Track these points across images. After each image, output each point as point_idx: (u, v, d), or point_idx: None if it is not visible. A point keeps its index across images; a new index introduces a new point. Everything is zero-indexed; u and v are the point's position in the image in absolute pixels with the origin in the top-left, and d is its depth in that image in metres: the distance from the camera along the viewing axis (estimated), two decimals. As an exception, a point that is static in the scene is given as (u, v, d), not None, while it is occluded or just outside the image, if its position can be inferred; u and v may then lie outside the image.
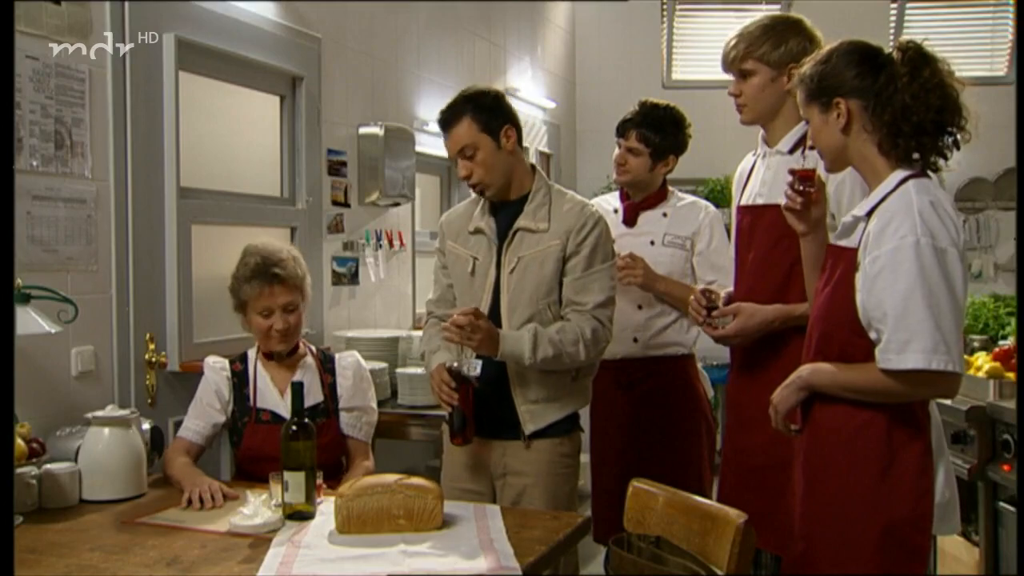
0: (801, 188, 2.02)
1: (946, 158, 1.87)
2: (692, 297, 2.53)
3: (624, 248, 3.00)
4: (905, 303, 1.72)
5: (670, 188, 3.15)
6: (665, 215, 3.07)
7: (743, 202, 2.52)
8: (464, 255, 2.54)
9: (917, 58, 1.83)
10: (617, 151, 3.08)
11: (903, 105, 1.81)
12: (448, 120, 2.48)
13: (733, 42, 2.43)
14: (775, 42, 2.38)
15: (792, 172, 2.05)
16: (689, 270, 3.04)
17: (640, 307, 3.04)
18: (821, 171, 2.08)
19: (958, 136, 1.85)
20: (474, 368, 2.34)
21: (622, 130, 3.07)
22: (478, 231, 2.53)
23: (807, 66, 1.95)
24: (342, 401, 2.66)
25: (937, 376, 1.74)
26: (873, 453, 1.83)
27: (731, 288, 2.55)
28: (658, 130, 3.01)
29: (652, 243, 3.02)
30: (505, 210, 2.52)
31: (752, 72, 2.40)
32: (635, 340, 3.04)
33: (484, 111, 2.44)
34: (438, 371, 2.40)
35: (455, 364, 2.36)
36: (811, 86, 1.92)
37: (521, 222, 2.48)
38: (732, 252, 2.68)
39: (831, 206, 2.28)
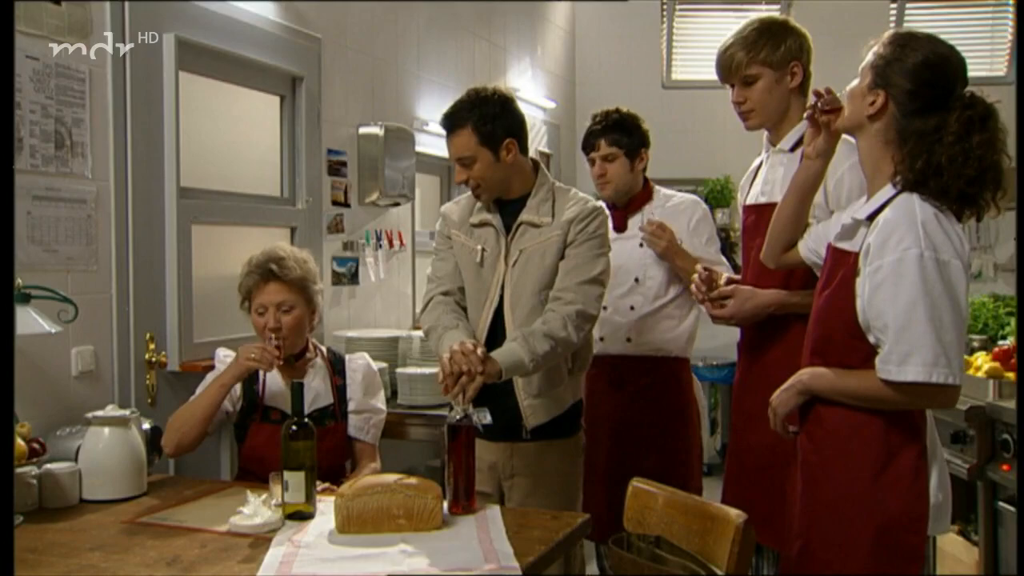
0: (817, 109, 1.98)
1: (960, 220, 1.79)
2: (695, 275, 2.55)
3: (615, 254, 3.02)
4: (907, 315, 1.71)
5: (654, 187, 3.17)
6: (654, 214, 3.09)
7: (748, 201, 2.55)
8: (471, 245, 2.54)
9: (975, 120, 1.75)
10: (592, 167, 3.12)
11: (937, 163, 1.75)
12: (450, 125, 2.46)
13: (730, 51, 2.40)
14: (775, 43, 2.37)
15: (816, 93, 2.02)
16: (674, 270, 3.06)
17: (632, 308, 3.07)
18: (779, 167, 2.09)
19: (983, 208, 1.78)
20: (484, 416, 2.16)
21: (590, 143, 3.10)
22: (484, 223, 2.53)
23: (887, 41, 1.86)
24: (351, 404, 2.67)
25: (937, 389, 1.74)
26: (870, 454, 1.83)
27: (733, 274, 2.60)
28: (623, 129, 3.06)
29: (641, 245, 3.06)
30: (508, 207, 2.53)
31: (757, 77, 2.38)
32: (628, 340, 3.08)
33: (488, 122, 2.41)
34: (454, 359, 2.20)
35: (459, 417, 2.14)
36: (876, 61, 1.84)
37: (524, 216, 2.49)
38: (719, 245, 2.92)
39: (830, 203, 2.29)
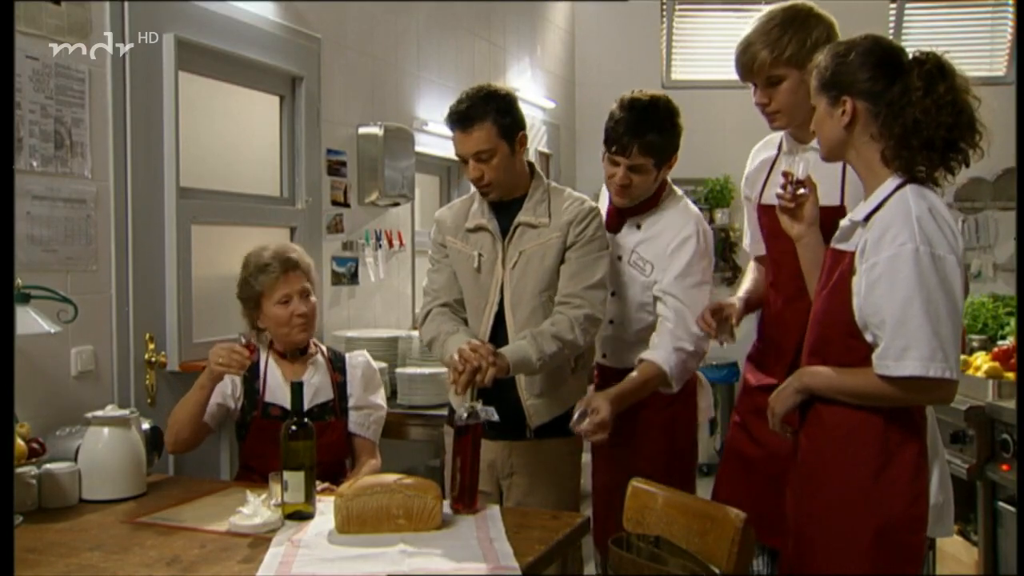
0: (793, 192, 2.04)
1: (953, 173, 1.84)
2: (701, 316, 2.44)
3: None
4: (903, 310, 1.72)
5: (668, 188, 2.69)
6: (639, 227, 2.67)
7: (764, 201, 2.38)
8: (467, 251, 2.54)
9: (934, 72, 1.80)
10: (615, 169, 2.56)
11: (914, 120, 1.78)
12: (467, 121, 2.39)
13: (752, 49, 2.21)
14: (800, 38, 2.18)
15: (784, 175, 2.05)
16: (649, 298, 2.62)
17: (612, 322, 2.72)
18: (812, 170, 2.07)
19: (968, 153, 1.82)
20: (491, 414, 2.16)
21: (621, 146, 2.51)
22: (479, 228, 2.53)
23: (824, 55, 1.92)
24: (351, 400, 2.68)
25: (934, 383, 1.74)
26: (869, 454, 1.83)
27: (741, 293, 2.53)
28: (659, 131, 2.53)
29: (620, 258, 2.68)
30: (504, 208, 2.53)
31: (783, 77, 2.20)
32: (604, 356, 2.80)
33: (504, 115, 2.41)
34: (462, 354, 2.22)
35: (466, 416, 2.14)
36: (824, 77, 1.90)
37: (522, 217, 2.49)
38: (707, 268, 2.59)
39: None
